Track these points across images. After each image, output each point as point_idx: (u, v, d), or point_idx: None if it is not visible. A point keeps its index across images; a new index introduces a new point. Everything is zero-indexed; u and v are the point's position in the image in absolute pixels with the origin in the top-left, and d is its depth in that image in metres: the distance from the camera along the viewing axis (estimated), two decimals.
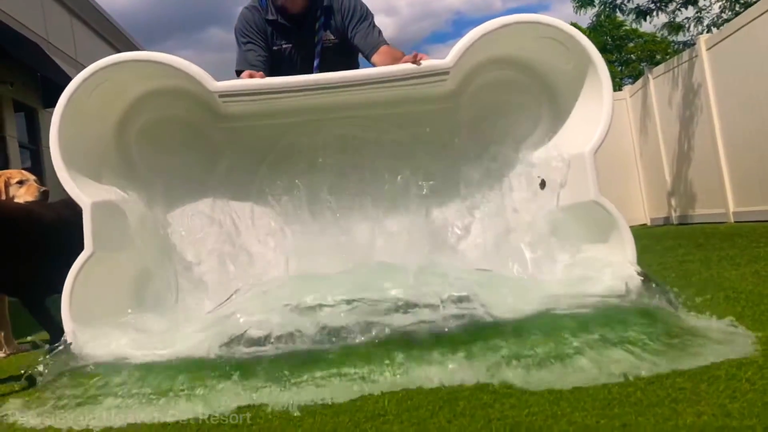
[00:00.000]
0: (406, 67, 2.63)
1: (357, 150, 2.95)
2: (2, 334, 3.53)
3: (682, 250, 5.09)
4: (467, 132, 2.96)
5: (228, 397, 1.84)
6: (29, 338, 3.82)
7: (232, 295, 2.64)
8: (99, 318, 2.31)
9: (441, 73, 2.63)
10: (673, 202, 9.41)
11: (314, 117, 2.89)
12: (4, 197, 3.36)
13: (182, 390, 1.88)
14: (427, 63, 2.62)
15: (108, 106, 2.71)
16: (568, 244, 2.64)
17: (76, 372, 2.06)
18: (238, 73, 2.99)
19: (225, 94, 2.63)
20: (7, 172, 3.51)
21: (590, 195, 2.49)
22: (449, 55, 2.57)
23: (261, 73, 2.80)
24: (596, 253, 2.53)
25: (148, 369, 1.98)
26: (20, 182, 3.42)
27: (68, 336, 2.25)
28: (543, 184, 2.80)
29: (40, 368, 2.20)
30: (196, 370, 1.95)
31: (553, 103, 2.84)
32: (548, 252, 2.72)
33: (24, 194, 3.39)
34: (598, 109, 2.57)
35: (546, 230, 2.74)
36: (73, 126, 2.49)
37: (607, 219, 2.48)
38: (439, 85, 2.74)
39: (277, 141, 2.96)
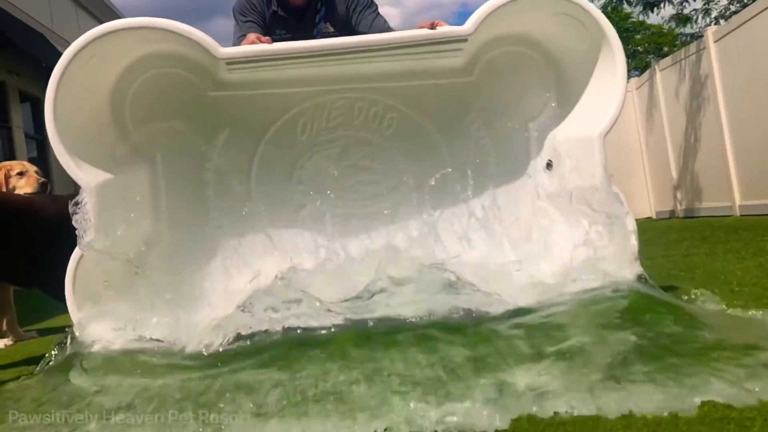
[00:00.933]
0: (423, 32, 2.54)
1: (363, 126, 2.91)
2: (6, 321, 3.54)
3: (687, 243, 5.06)
4: (475, 110, 2.91)
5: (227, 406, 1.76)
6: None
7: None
8: (102, 304, 2.27)
9: (459, 40, 2.54)
10: (678, 195, 9.35)
11: (320, 88, 2.82)
12: (4, 189, 3.36)
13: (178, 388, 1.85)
14: (446, 28, 2.53)
15: (104, 77, 2.58)
16: (572, 228, 2.59)
17: (76, 363, 2.06)
18: None
19: (232, 61, 2.52)
20: (7, 164, 3.51)
21: (598, 179, 2.45)
22: (468, 22, 2.49)
23: (268, 38, 2.69)
24: (599, 240, 2.49)
25: (143, 363, 1.98)
26: (20, 173, 3.43)
27: (73, 318, 2.24)
28: (550, 166, 2.76)
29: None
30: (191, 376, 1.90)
31: (564, 84, 2.78)
32: (553, 238, 2.68)
33: (24, 185, 3.41)
34: (610, 92, 2.51)
35: (551, 214, 2.71)
36: (69, 99, 2.35)
37: (613, 204, 2.44)
38: (452, 56, 2.67)
39: (281, 112, 2.88)
